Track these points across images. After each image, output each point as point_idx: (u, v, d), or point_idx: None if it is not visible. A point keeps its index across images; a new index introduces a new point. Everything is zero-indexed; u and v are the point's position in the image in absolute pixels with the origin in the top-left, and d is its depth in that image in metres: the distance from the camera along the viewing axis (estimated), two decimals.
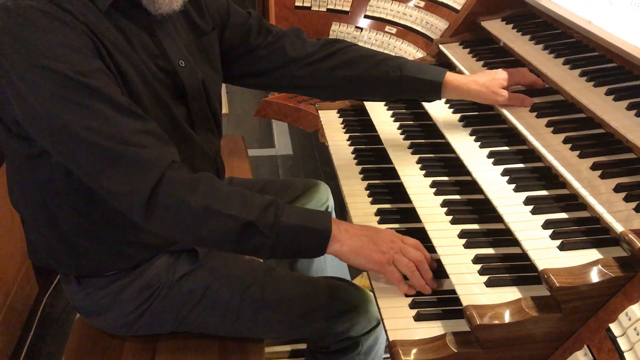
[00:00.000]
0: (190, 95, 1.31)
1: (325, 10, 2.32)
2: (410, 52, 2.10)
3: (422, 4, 2.11)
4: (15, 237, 2.26)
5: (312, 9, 2.33)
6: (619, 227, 1.07)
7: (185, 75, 1.29)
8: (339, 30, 2.28)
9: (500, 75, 1.52)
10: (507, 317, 1.06)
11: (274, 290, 1.42)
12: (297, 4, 2.33)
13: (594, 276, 1.05)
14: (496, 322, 1.06)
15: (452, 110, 1.66)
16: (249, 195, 1.16)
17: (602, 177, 1.21)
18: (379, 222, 1.46)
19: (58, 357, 2.36)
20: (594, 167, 1.23)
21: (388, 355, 1.14)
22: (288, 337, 1.52)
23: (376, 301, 1.23)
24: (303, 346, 1.97)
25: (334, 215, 1.91)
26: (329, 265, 1.96)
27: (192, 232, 1.13)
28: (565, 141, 1.33)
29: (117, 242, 1.31)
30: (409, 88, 1.53)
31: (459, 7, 1.97)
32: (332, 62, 1.51)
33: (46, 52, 1.04)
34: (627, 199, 1.13)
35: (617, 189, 1.16)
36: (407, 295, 1.23)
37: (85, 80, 1.05)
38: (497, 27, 1.84)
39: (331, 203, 1.85)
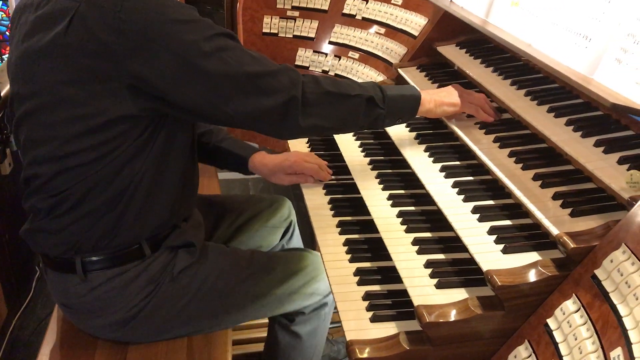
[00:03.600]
0: None
1: (291, 36, 2.42)
2: (372, 75, 2.20)
3: (382, 30, 2.23)
4: None
5: (279, 35, 2.43)
6: (555, 231, 1.16)
7: None
8: (304, 56, 2.39)
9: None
10: (454, 315, 1.15)
11: (262, 276, 1.58)
12: (264, 30, 2.44)
13: (533, 275, 1.14)
14: (444, 319, 1.14)
15: (408, 128, 1.76)
16: (357, 82, 1.49)
17: (542, 186, 1.31)
18: (340, 234, 1.54)
19: None
20: (536, 177, 1.34)
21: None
22: (273, 313, 1.68)
23: (335, 305, 1.30)
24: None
25: (297, 229, 1.99)
26: None
27: (334, 115, 1.41)
28: (510, 155, 1.44)
29: (140, 226, 1.39)
30: (226, 160, 1.80)
31: (416, 34, 2.09)
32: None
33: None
34: (563, 206, 1.23)
35: (555, 196, 1.26)
36: (364, 299, 1.31)
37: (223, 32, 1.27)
38: (452, 52, 1.96)
39: (294, 217, 1.94)
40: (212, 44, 1.21)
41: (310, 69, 2.39)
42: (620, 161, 1.25)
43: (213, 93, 1.24)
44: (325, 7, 2.37)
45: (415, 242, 1.37)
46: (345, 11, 2.34)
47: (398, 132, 1.75)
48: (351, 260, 1.44)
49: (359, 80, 2.23)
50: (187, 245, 1.46)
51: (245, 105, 1.28)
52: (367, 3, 2.29)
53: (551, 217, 1.20)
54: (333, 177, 1.76)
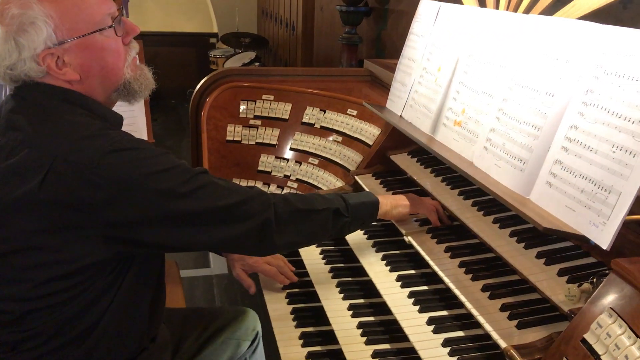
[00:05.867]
0: None
1: (254, 143, 2.54)
2: (332, 181, 2.32)
3: (339, 139, 2.37)
4: None
5: (242, 142, 2.55)
6: (503, 344, 1.24)
7: None
8: (267, 162, 2.50)
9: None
10: None
11: None
12: (228, 138, 2.56)
13: None
14: None
15: (366, 236, 1.85)
16: (321, 195, 1.59)
17: (490, 297, 1.39)
18: (303, 346, 1.58)
19: None
20: (484, 288, 1.42)
21: None
22: None
23: None
24: None
25: (261, 343, 2.00)
26: None
27: (307, 229, 1.50)
28: (460, 265, 1.53)
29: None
30: None
31: (371, 143, 2.24)
32: None
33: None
34: (510, 317, 1.31)
35: (503, 308, 1.34)
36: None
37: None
38: (404, 161, 2.09)
39: (259, 328, 1.95)
40: (187, 187, 1.27)
41: (272, 173, 2.49)
42: (560, 273, 1.35)
43: (191, 229, 1.30)
44: (286, 117, 2.52)
45: (375, 354, 1.42)
46: (305, 120, 2.49)
47: (356, 240, 1.84)
48: None
49: (319, 185, 2.35)
50: None
51: (223, 233, 1.34)
52: (324, 113, 2.45)
53: (499, 330, 1.28)
54: (293, 282, 1.81)
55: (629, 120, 1.16)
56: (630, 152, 1.14)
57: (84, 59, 1.32)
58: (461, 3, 1.91)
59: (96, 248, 1.25)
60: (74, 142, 1.22)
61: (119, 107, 1.47)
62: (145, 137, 2.57)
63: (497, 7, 1.77)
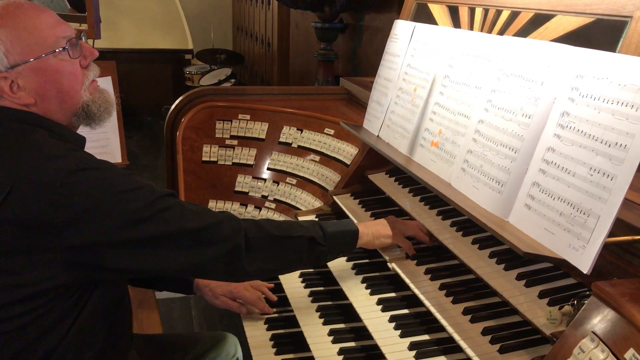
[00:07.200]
0: None
1: (231, 164, 2.51)
2: (310, 201, 2.30)
3: (317, 158, 2.35)
4: None
5: (218, 162, 2.52)
6: None
7: None
8: (244, 182, 2.47)
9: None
10: None
11: None
12: (204, 159, 2.52)
13: None
14: None
15: (345, 258, 1.82)
16: (297, 222, 1.58)
17: (471, 321, 1.38)
18: None
19: None
20: (465, 312, 1.41)
21: None
22: None
23: None
24: None
25: None
26: None
27: (279, 256, 1.47)
28: (441, 288, 1.51)
29: None
30: (169, 284, 1.79)
31: (348, 162, 2.22)
32: None
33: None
34: (492, 342, 1.30)
35: (484, 332, 1.33)
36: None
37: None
38: (382, 180, 2.08)
39: (240, 354, 1.91)
40: (153, 208, 1.25)
41: (250, 194, 2.46)
42: (541, 295, 1.34)
43: (156, 253, 1.27)
44: (263, 136, 2.50)
45: None
46: (282, 140, 2.47)
47: (336, 263, 1.81)
48: None
49: (298, 205, 2.32)
50: None
51: (190, 258, 1.31)
52: (301, 132, 2.43)
53: (481, 355, 1.27)
54: (275, 310, 1.78)
55: (605, 143, 1.16)
56: (608, 175, 1.14)
57: (38, 82, 1.30)
58: (436, 23, 1.91)
59: (58, 272, 1.21)
60: (38, 161, 1.20)
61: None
62: (118, 157, 2.53)
63: (471, 27, 1.78)
